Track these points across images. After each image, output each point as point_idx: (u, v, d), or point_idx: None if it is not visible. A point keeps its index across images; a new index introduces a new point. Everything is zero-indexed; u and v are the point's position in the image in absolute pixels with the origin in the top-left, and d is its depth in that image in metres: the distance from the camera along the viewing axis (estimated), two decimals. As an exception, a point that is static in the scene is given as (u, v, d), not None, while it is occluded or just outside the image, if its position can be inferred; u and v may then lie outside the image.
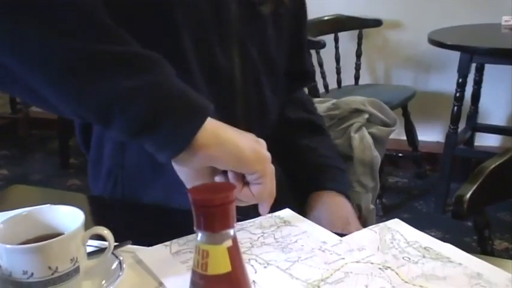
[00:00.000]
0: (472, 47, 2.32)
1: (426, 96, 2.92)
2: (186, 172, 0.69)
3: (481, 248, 1.05)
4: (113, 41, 0.64)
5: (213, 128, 0.66)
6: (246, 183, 0.70)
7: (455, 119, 2.50)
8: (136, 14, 0.77)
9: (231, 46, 0.87)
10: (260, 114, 0.94)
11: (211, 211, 0.40)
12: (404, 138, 2.82)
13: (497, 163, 1.00)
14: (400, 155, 2.94)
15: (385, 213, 2.52)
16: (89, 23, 0.65)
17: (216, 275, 0.40)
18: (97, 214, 0.88)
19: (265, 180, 0.69)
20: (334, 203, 0.95)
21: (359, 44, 2.87)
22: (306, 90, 1.25)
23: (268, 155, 0.71)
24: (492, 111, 2.87)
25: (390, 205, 2.63)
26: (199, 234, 0.41)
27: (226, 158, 0.66)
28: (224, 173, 0.70)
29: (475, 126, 2.81)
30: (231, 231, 0.41)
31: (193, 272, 0.41)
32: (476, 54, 2.36)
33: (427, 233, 0.75)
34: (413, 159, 2.91)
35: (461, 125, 2.59)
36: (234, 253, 0.41)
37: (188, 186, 0.69)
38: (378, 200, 2.47)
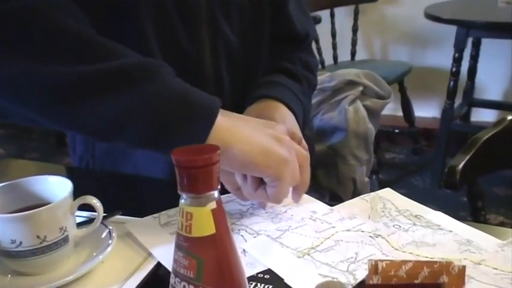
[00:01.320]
0: (468, 21, 2.30)
1: (422, 72, 2.91)
2: None
3: (474, 218, 1.05)
4: (102, 58, 0.61)
5: (223, 129, 0.63)
6: (263, 183, 0.67)
7: (451, 94, 2.49)
8: None
9: (200, 25, 0.81)
10: (235, 96, 0.88)
11: (194, 172, 0.39)
12: (401, 114, 2.81)
13: (490, 134, 1.00)
14: (397, 131, 2.94)
15: (381, 189, 2.52)
16: (76, 43, 0.61)
17: (200, 237, 0.40)
18: (87, 186, 0.88)
19: (281, 183, 0.65)
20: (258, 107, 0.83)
21: (355, 19, 2.84)
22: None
23: (286, 155, 0.65)
24: (488, 86, 2.86)
25: (387, 181, 2.63)
26: (183, 197, 0.40)
27: (233, 164, 0.63)
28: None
29: (472, 101, 2.80)
30: (215, 193, 0.41)
31: (178, 235, 0.41)
32: (473, 28, 2.34)
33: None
34: (409, 135, 2.91)
35: (458, 100, 2.58)
36: (219, 215, 0.41)
37: None
38: (374, 176, 2.47)
